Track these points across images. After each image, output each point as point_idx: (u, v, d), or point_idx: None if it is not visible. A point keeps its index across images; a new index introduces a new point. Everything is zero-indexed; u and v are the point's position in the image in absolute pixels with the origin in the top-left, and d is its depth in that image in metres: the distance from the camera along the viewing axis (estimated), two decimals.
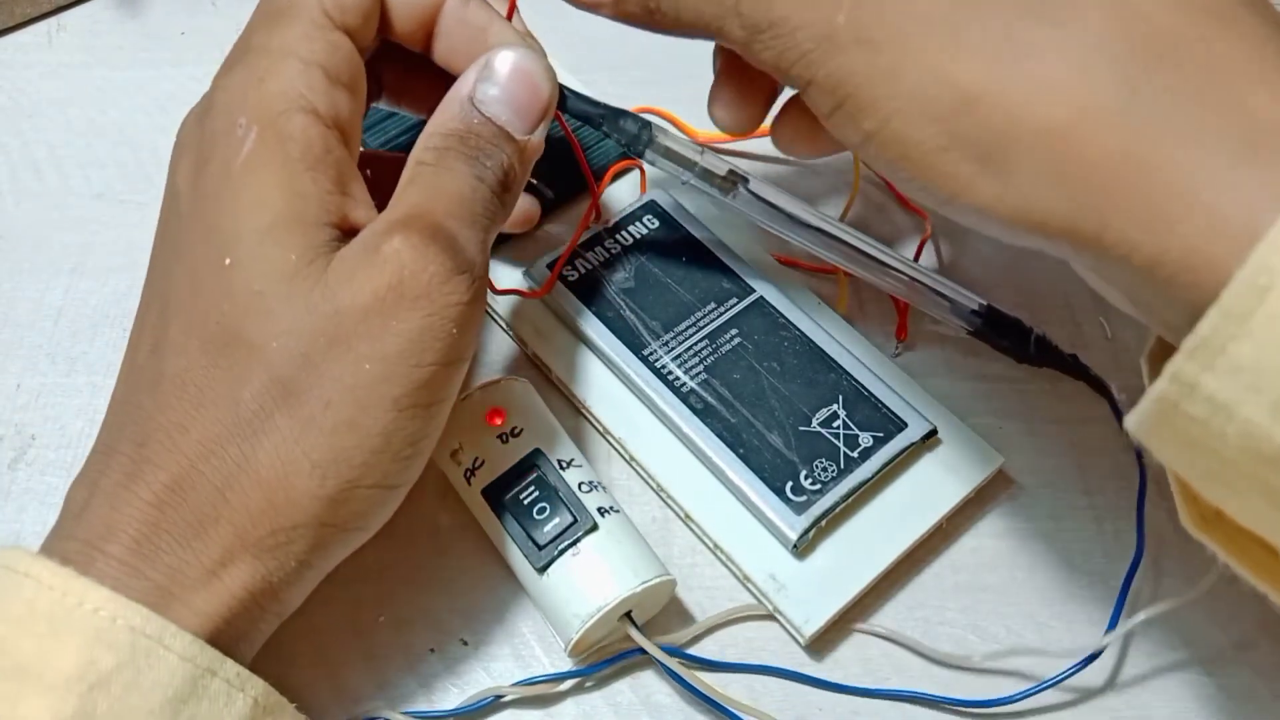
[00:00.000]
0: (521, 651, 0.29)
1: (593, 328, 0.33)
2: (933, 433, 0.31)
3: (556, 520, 0.28)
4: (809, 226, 0.32)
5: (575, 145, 0.35)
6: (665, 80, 0.41)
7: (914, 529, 0.30)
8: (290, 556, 0.24)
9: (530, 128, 0.27)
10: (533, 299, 0.34)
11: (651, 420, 0.32)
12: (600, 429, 0.33)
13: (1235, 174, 0.18)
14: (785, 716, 0.29)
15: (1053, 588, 0.31)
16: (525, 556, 0.28)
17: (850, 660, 0.30)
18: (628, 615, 0.28)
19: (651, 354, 0.32)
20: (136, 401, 0.24)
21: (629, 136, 0.30)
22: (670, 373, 0.32)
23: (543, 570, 0.28)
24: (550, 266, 0.34)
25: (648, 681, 0.29)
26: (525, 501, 0.28)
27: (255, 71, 0.25)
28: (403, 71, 0.31)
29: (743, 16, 0.23)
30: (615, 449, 0.33)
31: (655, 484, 0.32)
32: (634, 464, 0.32)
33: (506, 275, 0.35)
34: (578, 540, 0.27)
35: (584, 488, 0.28)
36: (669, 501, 0.31)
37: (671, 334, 0.33)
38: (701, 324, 0.33)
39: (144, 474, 0.23)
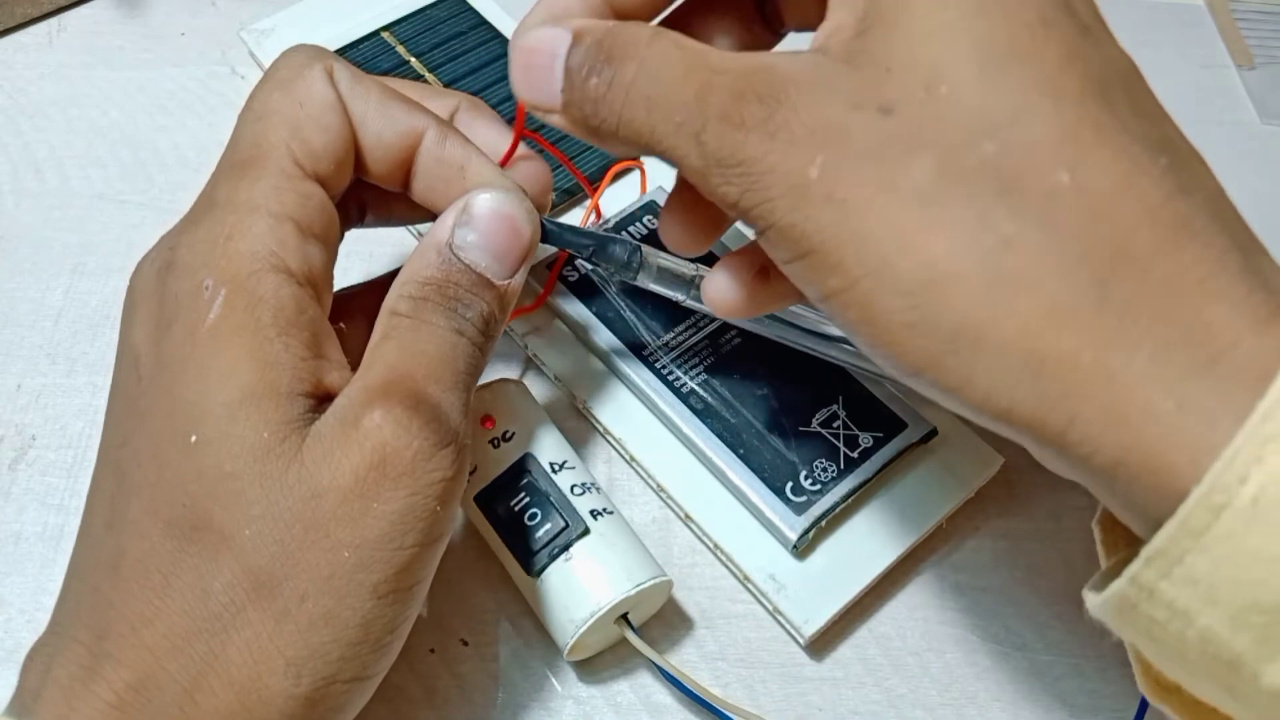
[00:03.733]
0: (521, 652, 0.29)
1: (592, 328, 0.33)
2: (933, 433, 0.31)
3: (548, 526, 0.27)
4: (809, 333, 0.31)
5: (564, 158, 0.35)
6: None
7: (914, 529, 0.30)
8: None
9: (510, 272, 0.25)
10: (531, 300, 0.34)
11: (651, 420, 0.32)
12: (600, 429, 0.33)
13: (1194, 386, 0.18)
14: (785, 716, 0.29)
15: (1053, 588, 0.31)
16: (519, 562, 0.28)
17: (850, 660, 0.30)
18: (624, 617, 0.28)
19: (651, 354, 0.32)
20: (94, 584, 0.22)
21: (620, 264, 0.29)
22: (670, 373, 0.32)
23: (536, 575, 0.27)
24: (548, 267, 0.34)
25: (647, 682, 0.29)
26: (517, 508, 0.28)
27: (222, 228, 0.24)
28: (384, 191, 0.28)
29: (704, 146, 0.21)
30: (615, 449, 0.33)
31: (655, 484, 0.32)
32: (634, 464, 0.32)
33: None
34: (570, 545, 0.27)
35: (576, 490, 0.28)
36: (669, 501, 0.31)
37: (671, 334, 0.33)
38: (701, 324, 0.33)
39: (103, 671, 0.21)
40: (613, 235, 0.29)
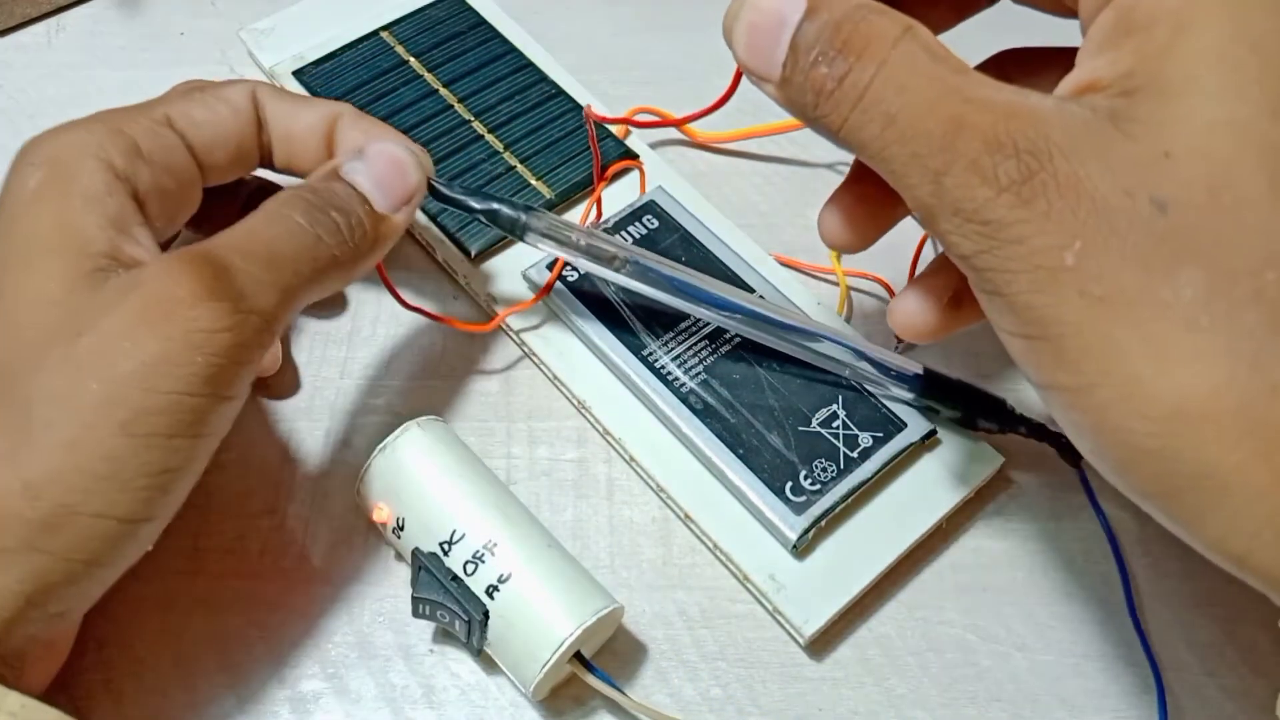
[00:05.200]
0: None
1: (592, 328, 0.33)
2: (933, 433, 0.31)
3: (457, 625, 0.27)
4: (711, 300, 0.31)
5: (594, 145, 0.35)
6: (665, 80, 0.41)
7: (914, 529, 0.30)
8: (4, 589, 0.22)
9: (392, 205, 0.27)
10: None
11: (651, 420, 0.32)
12: (600, 429, 0.33)
13: None
14: (785, 716, 0.29)
15: (1053, 588, 0.31)
16: (465, 647, 0.28)
17: (850, 660, 0.30)
18: (578, 656, 0.27)
19: (651, 354, 0.32)
20: None
21: (508, 223, 0.30)
22: (670, 373, 0.32)
23: (478, 655, 0.28)
24: (549, 267, 0.34)
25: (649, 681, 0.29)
26: (431, 607, 0.27)
27: (67, 125, 0.26)
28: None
29: (942, 189, 0.19)
30: (615, 449, 0.33)
31: (655, 484, 0.32)
32: (634, 464, 0.32)
33: (506, 276, 0.35)
34: (483, 633, 0.27)
35: (470, 567, 0.27)
36: (669, 501, 0.31)
37: (671, 334, 0.33)
38: (701, 324, 0.33)
39: None
40: (501, 198, 0.30)
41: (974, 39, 0.26)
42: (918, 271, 0.29)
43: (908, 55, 0.20)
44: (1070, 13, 0.21)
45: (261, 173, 0.31)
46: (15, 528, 0.22)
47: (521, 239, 0.31)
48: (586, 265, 0.31)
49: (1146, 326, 0.18)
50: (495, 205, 0.30)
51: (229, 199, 0.31)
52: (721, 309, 0.31)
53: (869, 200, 0.25)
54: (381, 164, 0.28)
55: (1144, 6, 0.19)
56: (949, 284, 0.25)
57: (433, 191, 0.30)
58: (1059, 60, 0.20)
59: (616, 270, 0.31)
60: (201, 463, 0.24)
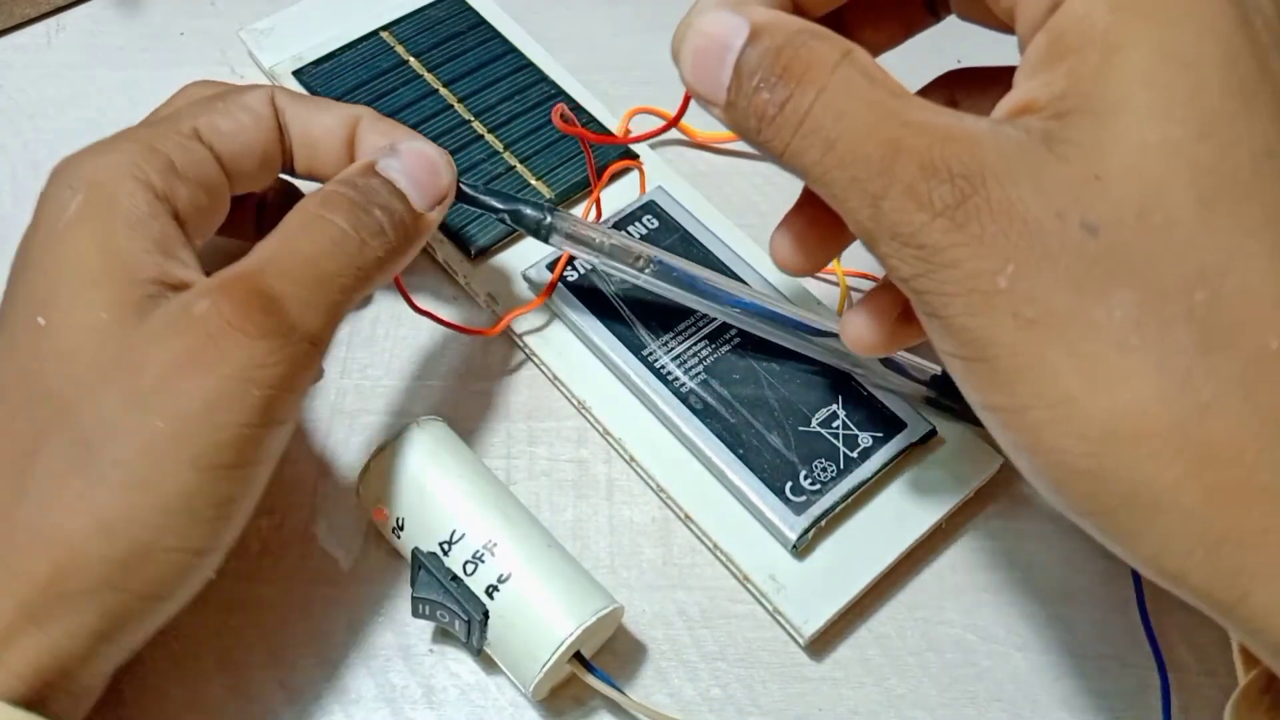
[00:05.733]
0: None
1: (592, 328, 0.33)
2: (933, 433, 0.31)
3: (457, 625, 0.27)
4: (731, 301, 0.31)
5: (584, 143, 0.35)
6: (665, 80, 0.41)
7: (914, 529, 0.30)
8: (80, 626, 0.22)
9: (427, 203, 0.27)
10: (530, 299, 0.34)
11: (651, 420, 0.32)
12: (600, 429, 0.33)
13: None
14: (785, 716, 0.29)
15: (1053, 588, 0.31)
16: (466, 647, 0.28)
17: (850, 660, 0.30)
18: (577, 656, 0.27)
19: (651, 354, 0.32)
20: None
21: (533, 223, 0.30)
22: (670, 373, 0.32)
23: (477, 655, 0.28)
24: (549, 267, 0.34)
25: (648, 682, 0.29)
26: (431, 607, 0.27)
27: (100, 146, 0.26)
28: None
29: (880, 213, 0.19)
30: (615, 449, 0.33)
31: (655, 484, 0.32)
32: (634, 464, 0.32)
33: (506, 276, 0.35)
34: (481, 633, 0.27)
35: (469, 567, 0.27)
36: (669, 501, 0.31)
37: (671, 334, 0.33)
38: (701, 324, 0.33)
39: None
40: (525, 199, 0.30)
41: (925, 56, 0.26)
42: None
43: (846, 80, 0.20)
44: (1011, 29, 0.21)
45: None
46: (93, 566, 0.22)
47: (545, 240, 0.31)
48: (609, 266, 0.31)
49: (1078, 347, 0.18)
50: (519, 206, 0.30)
51: (246, 199, 0.31)
52: (744, 311, 0.31)
53: (820, 224, 0.26)
54: (417, 161, 0.27)
55: (1076, 29, 0.19)
56: (897, 301, 0.25)
57: (458, 192, 0.29)
58: (1005, 79, 0.21)
59: (640, 270, 0.31)
60: (261, 487, 0.25)
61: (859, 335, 0.26)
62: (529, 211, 0.30)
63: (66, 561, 0.22)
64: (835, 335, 0.31)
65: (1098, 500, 0.19)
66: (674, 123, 0.27)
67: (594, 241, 0.31)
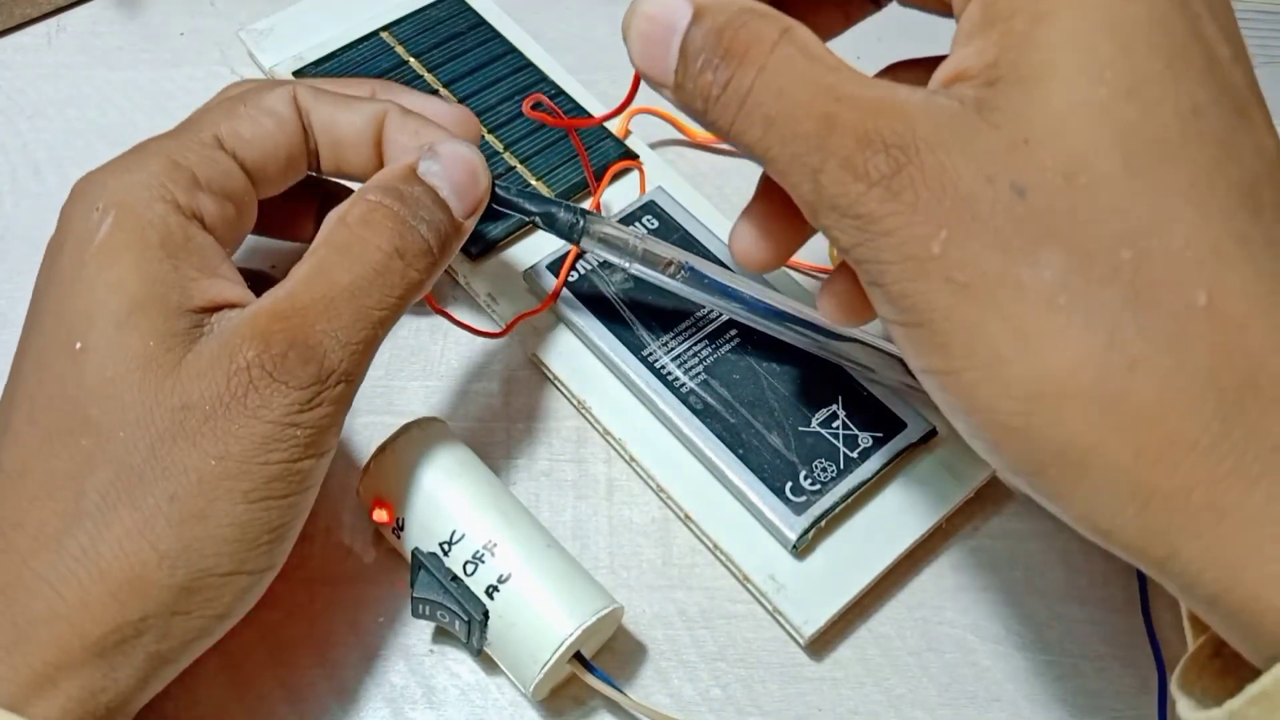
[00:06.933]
0: None
1: (592, 328, 0.33)
2: (932, 433, 0.31)
3: (458, 625, 0.27)
4: (759, 307, 0.31)
5: (578, 144, 0.35)
6: None
7: (914, 529, 0.30)
8: (139, 651, 0.22)
9: (465, 211, 0.27)
10: (532, 299, 0.34)
11: (651, 421, 0.32)
12: (600, 429, 0.33)
13: None
14: (785, 716, 0.29)
15: (1053, 588, 0.31)
16: (465, 645, 0.28)
17: (850, 660, 0.30)
18: (578, 656, 0.27)
19: (651, 354, 0.32)
20: None
21: (566, 227, 0.30)
22: (670, 373, 0.32)
23: (477, 655, 0.28)
24: (550, 267, 0.34)
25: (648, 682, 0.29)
26: (431, 607, 0.27)
27: (123, 164, 0.25)
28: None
29: (820, 186, 0.20)
30: (615, 449, 0.33)
31: (655, 484, 0.32)
32: (634, 464, 0.32)
33: (506, 276, 0.35)
34: (481, 633, 0.27)
35: (469, 567, 0.27)
36: (669, 502, 0.31)
37: (671, 334, 0.33)
38: (701, 324, 0.33)
39: None
40: (558, 201, 0.30)
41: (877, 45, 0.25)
42: None
43: (785, 59, 0.20)
44: (952, 13, 0.22)
45: None
46: (157, 595, 0.22)
47: (577, 243, 0.30)
48: (638, 271, 0.31)
49: (1008, 308, 0.19)
50: (553, 209, 0.30)
51: (304, 197, 0.31)
52: (776, 319, 0.31)
53: (780, 213, 0.26)
54: (458, 167, 0.27)
55: None
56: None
57: (492, 195, 0.28)
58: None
59: (671, 276, 0.31)
60: (308, 508, 0.25)
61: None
62: (563, 215, 0.30)
63: (127, 592, 0.22)
64: (877, 348, 0.31)
65: (1030, 459, 0.19)
66: (623, 107, 0.27)
67: (627, 245, 0.30)
